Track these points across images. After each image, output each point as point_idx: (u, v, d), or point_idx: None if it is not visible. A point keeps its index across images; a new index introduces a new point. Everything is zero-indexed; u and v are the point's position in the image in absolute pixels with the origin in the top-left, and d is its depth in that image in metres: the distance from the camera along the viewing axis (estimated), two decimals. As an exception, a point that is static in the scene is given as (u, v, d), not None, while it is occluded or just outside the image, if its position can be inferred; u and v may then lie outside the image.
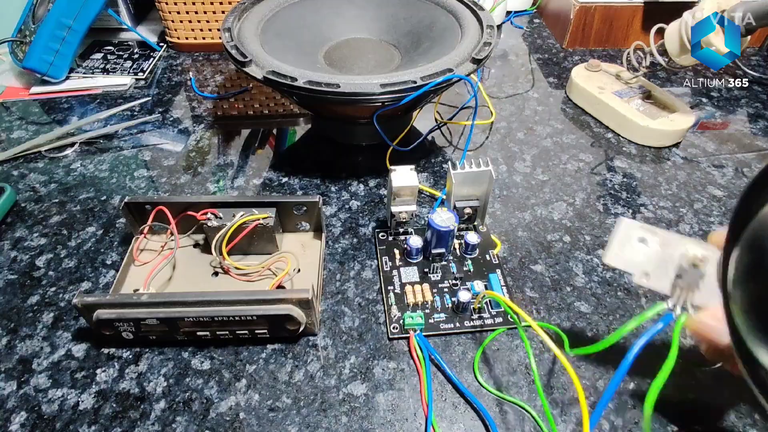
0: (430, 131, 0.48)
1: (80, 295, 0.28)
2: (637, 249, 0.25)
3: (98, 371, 0.29)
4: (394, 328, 0.31)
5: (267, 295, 0.28)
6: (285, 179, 0.43)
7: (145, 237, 0.35)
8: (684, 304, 0.24)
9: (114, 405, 0.28)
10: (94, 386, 0.29)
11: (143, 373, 0.29)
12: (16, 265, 0.35)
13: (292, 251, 0.35)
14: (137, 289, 0.32)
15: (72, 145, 0.46)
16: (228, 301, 0.28)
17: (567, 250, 0.37)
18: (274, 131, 0.50)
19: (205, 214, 0.33)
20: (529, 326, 0.27)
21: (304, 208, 0.35)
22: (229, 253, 0.33)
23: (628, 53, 0.51)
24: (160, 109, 0.51)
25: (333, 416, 0.28)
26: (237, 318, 0.28)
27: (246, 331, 0.29)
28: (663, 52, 0.47)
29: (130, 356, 0.30)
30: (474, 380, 0.29)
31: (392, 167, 0.34)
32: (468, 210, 0.36)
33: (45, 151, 0.45)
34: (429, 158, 0.46)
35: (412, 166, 0.34)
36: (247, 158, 0.46)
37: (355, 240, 0.38)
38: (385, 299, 0.33)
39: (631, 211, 0.41)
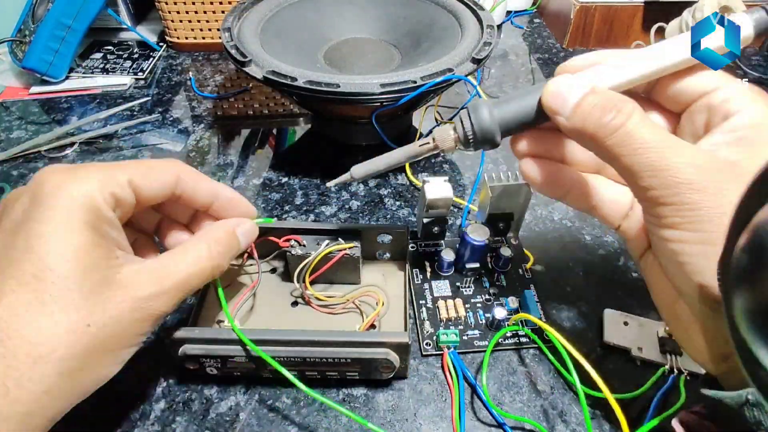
0: (430, 131, 0.48)
1: (169, 330, 0.26)
2: (625, 330, 0.31)
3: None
4: (427, 344, 0.30)
5: (362, 337, 0.27)
6: (285, 179, 0.43)
7: None
8: (676, 366, 0.29)
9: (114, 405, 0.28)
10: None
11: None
12: (15, 265, 0.35)
13: (374, 282, 0.33)
14: (221, 321, 0.30)
15: (72, 145, 0.46)
16: (321, 342, 0.26)
17: (567, 250, 0.37)
18: (274, 131, 0.50)
19: (288, 240, 0.31)
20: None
21: (389, 237, 0.33)
22: (311, 283, 0.31)
23: None
24: (160, 109, 0.51)
25: (333, 416, 0.28)
26: (329, 359, 0.27)
27: (335, 372, 0.28)
28: None
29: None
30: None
31: (426, 178, 0.33)
32: (502, 223, 0.35)
33: (45, 151, 0.45)
34: (429, 159, 0.46)
35: (446, 177, 0.33)
36: (247, 158, 0.46)
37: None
38: (417, 314, 0.32)
39: (631, 211, 0.41)
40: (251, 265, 0.33)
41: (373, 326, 0.30)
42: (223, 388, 0.29)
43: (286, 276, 0.33)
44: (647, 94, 0.24)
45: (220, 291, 0.27)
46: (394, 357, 0.27)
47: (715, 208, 0.19)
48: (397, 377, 0.29)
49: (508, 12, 0.70)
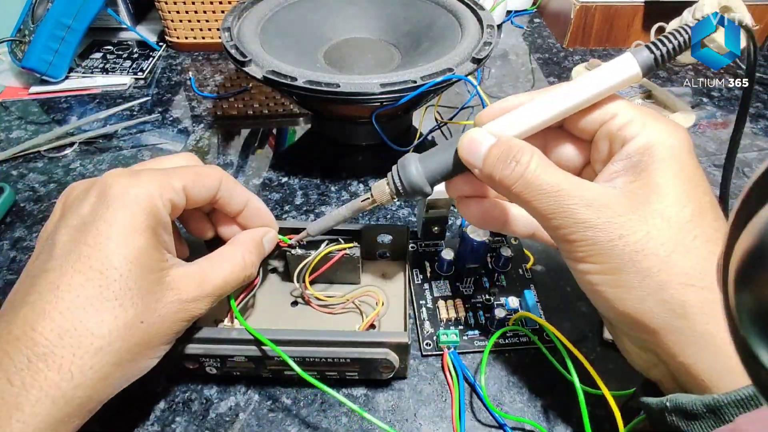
0: (431, 131, 0.48)
1: None
2: None
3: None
4: (427, 344, 0.31)
5: (362, 337, 0.27)
6: (285, 179, 0.43)
7: None
8: None
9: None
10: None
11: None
12: (15, 265, 0.35)
13: (374, 282, 0.33)
14: (219, 320, 0.29)
15: (71, 144, 0.46)
16: (321, 342, 0.26)
17: (567, 250, 0.37)
18: (274, 131, 0.50)
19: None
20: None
21: (389, 237, 0.33)
22: (311, 283, 0.31)
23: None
24: (160, 109, 0.51)
25: (333, 416, 0.28)
26: (328, 359, 0.27)
27: (335, 372, 0.28)
28: None
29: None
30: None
31: None
32: None
33: (44, 150, 0.45)
34: (429, 158, 0.46)
35: None
36: (247, 158, 0.46)
37: (355, 240, 0.38)
38: (416, 314, 0.32)
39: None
40: None
41: (372, 326, 0.30)
42: (223, 388, 0.29)
43: (286, 276, 0.33)
44: (562, 124, 0.25)
45: (231, 294, 0.28)
46: (393, 357, 0.27)
47: (607, 242, 0.21)
48: (396, 377, 0.29)
49: (508, 12, 0.70)
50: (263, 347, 0.26)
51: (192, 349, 0.26)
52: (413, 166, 0.25)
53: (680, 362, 0.20)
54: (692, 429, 0.19)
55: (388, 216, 0.40)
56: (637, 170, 0.22)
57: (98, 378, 0.21)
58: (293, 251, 0.30)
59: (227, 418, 0.28)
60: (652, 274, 0.20)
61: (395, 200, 0.27)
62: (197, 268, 0.25)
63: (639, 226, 0.21)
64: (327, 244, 0.30)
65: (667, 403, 0.20)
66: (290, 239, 0.31)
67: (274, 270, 0.34)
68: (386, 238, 0.33)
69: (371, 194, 0.27)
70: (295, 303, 0.32)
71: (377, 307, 0.31)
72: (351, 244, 0.31)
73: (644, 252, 0.20)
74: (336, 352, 0.26)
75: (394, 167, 0.26)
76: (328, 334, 0.27)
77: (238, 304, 0.29)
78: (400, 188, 0.26)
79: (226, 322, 0.29)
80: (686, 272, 0.20)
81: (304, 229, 0.31)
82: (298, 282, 0.30)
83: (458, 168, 0.25)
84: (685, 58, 0.46)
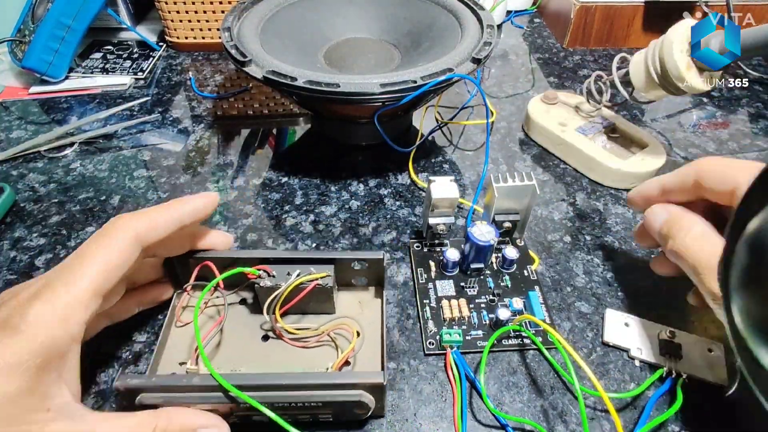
0: (431, 132, 0.48)
1: (122, 377, 0.23)
2: (626, 331, 0.32)
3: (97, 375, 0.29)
4: (430, 343, 0.30)
5: (334, 379, 0.25)
6: (285, 179, 0.43)
7: (187, 294, 0.30)
8: (675, 369, 0.29)
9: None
10: (94, 388, 0.29)
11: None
12: (15, 265, 0.35)
13: (350, 312, 0.31)
14: (183, 363, 0.28)
15: (71, 144, 0.46)
16: (290, 386, 0.24)
17: (567, 250, 0.37)
18: (274, 131, 0.50)
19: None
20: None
21: (366, 264, 0.31)
22: (283, 315, 0.29)
23: (589, 83, 0.45)
24: (160, 109, 0.51)
25: (333, 417, 0.28)
26: (300, 404, 0.24)
27: (308, 416, 0.26)
28: (627, 83, 0.42)
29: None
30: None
31: (431, 177, 0.33)
32: (507, 224, 0.35)
33: (44, 150, 0.45)
34: (429, 158, 0.46)
35: (452, 177, 0.33)
36: (247, 158, 0.46)
37: (355, 240, 0.38)
38: (420, 313, 0.32)
39: (631, 211, 0.41)
40: (218, 297, 0.31)
41: (348, 362, 0.28)
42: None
43: (256, 308, 0.31)
44: None
45: (197, 333, 0.25)
46: (368, 398, 0.25)
47: None
48: (373, 416, 0.27)
49: (508, 12, 0.70)
50: (231, 394, 0.23)
51: (148, 398, 0.23)
52: None
53: None
54: None
55: (388, 216, 0.40)
56: None
57: None
58: (261, 283, 0.28)
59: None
60: None
61: None
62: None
63: None
64: (298, 275, 0.28)
65: None
66: (258, 270, 0.29)
67: (243, 301, 0.32)
68: (362, 265, 0.31)
69: None
70: (266, 337, 0.30)
71: (352, 340, 0.29)
72: (324, 274, 0.29)
73: None
74: (307, 396, 0.24)
75: None
76: (298, 377, 0.24)
77: (204, 341, 0.27)
78: None
79: (190, 364, 0.26)
80: None
81: (272, 259, 0.29)
82: (268, 315, 0.28)
83: None
84: (652, 94, 0.41)
